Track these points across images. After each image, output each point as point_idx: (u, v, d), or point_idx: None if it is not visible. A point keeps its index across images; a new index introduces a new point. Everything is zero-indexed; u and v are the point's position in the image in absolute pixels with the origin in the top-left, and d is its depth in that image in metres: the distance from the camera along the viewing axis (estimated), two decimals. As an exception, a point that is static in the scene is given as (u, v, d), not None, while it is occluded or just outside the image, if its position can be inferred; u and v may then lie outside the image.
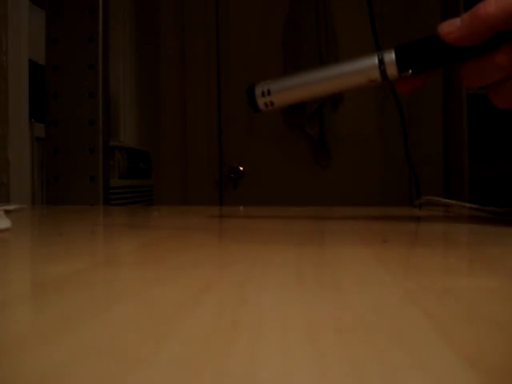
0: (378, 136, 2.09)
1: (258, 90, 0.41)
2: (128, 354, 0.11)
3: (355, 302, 0.16)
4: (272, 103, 0.41)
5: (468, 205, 0.50)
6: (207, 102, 2.16)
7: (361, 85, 0.38)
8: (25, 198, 1.02)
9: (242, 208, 0.68)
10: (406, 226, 0.43)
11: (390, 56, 0.37)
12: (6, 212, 0.47)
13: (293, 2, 2.09)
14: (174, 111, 2.18)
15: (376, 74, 0.38)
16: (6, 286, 0.19)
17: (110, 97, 0.83)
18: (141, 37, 1.91)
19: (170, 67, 2.17)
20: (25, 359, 0.11)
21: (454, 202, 0.52)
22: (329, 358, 0.11)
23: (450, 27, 0.35)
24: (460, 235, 0.38)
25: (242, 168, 2.15)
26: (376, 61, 0.37)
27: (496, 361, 0.11)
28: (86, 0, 0.76)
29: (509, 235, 0.35)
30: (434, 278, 0.20)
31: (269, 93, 0.41)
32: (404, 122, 0.73)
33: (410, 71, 0.37)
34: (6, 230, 0.36)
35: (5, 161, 0.99)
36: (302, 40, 2.04)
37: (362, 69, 0.38)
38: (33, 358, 0.11)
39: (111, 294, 0.18)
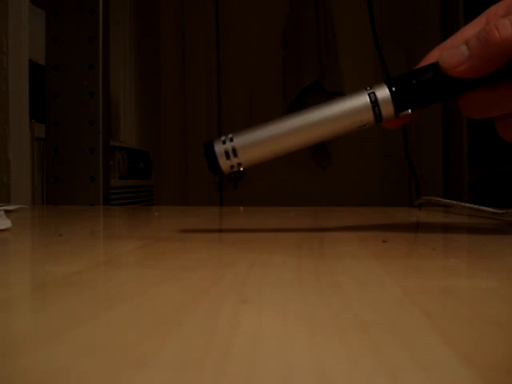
0: (378, 136, 2.09)
1: (218, 150, 0.32)
2: (128, 354, 0.11)
3: (355, 302, 0.16)
4: (240, 165, 0.32)
5: (468, 205, 0.50)
6: (207, 102, 2.16)
7: (350, 131, 0.31)
8: (25, 198, 1.02)
9: (241, 208, 0.68)
10: (405, 226, 0.43)
11: (384, 94, 0.31)
12: (6, 212, 0.47)
13: (293, 2, 2.09)
14: (173, 111, 2.18)
15: (369, 117, 0.31)
16: (7, 286, 0.19)
17: (110, 97, 0.83)
18: (141, 37, 1.91)
19: (169, 67, 2.18)
20: (25, 359, 0.11)
21: (453, 202, 0.52)
22: (328, 357, 0.11)
23: (456, 58, 0.29)
24: (460, 235, 0.38)
25: (241, 168, 2.15)
26: (368, 101, 0.31)
27: (495, 361, 0.11)
28: (86, 0, 0.76)
29: (509, 235, 0.35)
30: (433, 278, 0.20)
31: (235, 153, 0.32)
32: (404, 122, 0.73)
33: (410, 110, 0.31)
34: (6, 230, 0.36)
35: (5, 161, 0.99)
36: (302, 40, 2.04)
37: (351, 112, 0.31)
38: (33, 359, 0.11)
39: (111, 294, 0.18)
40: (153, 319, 0.14)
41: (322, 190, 2.08)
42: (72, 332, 0.13)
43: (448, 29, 1.97)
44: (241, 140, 0.32)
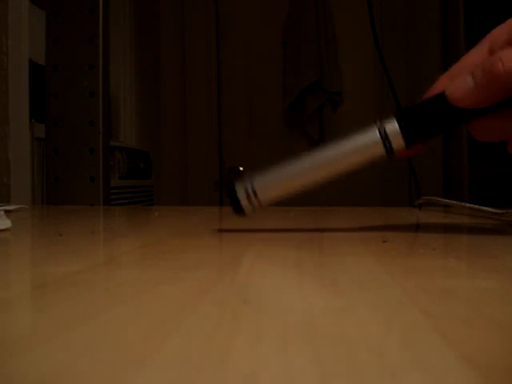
0: (378, 136, 2.09)
1: (240, 190, 0.33)
2: (128, 354, 0.11)
3: (355, 302, 0.16)
4: (260, 203, 0.34)
5: (468, 205, 0.50)
6: (207, 102, 2.16)
7: (364, 164, 0.33)
8: (25, 198, 1.02)
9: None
10: (405, 227, 0.43)
11: (393, 128, 0.31)
12: (6, 212, 0.47)
13: (293, 2, 2.09)
14: (174, 111, 2.18)
15: (380, 152, 0.32)
16: (7, 286, 0.19)
17: (110, 97, 0.83)
18: (141, 37, 1.91)
19: (170, 67, 2.18)
20: (25, 359, 0.11)
21: (453, 202, 0.52)
22: (329, 358, 0.11)
23: (463, 90, 0.30)
24: (460, 235, 0.38)
25: (241, 168, 2.15)
26: (378, 137, 0.32)
27: (495, 360, 0.11)
28: (86, 0, 0.76)
29: (509, 235, 0.35)
30: (433, 278, 0.20)
31: (255, 193, 0.33)
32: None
33: (420, 141, 0.32)
34: (6, 229, 0.36)
35: (5, 161, 0.99)
36: (302, 40, 2.04)
37: (363, 149, 0.32)
38: (33, 359, 0.11)
39: (111, 294, 0.18)
40: (153, 319, 0.14)
41: (322, 190, 2.08)
42: (72, 332, 0.13)
43: (448, 29, 1.97)
44: (260, 180, 0.34)
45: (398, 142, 0.31)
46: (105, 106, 0.76)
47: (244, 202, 0.33)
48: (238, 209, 0.34)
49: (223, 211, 0.66)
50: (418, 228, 0.44)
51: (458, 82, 0.30)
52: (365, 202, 1.99)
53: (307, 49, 2.04)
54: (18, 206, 0.56)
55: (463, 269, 0.23)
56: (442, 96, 0.31)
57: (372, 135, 0.32)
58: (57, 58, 0.77)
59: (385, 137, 0.31)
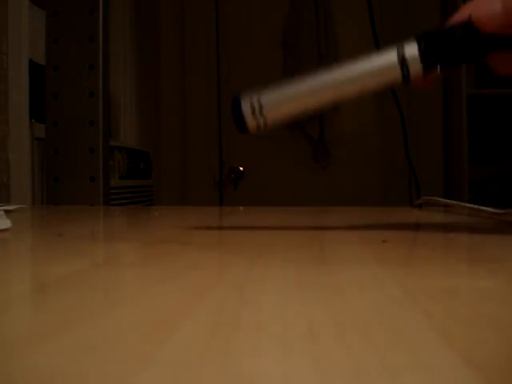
0: (378, 136, 2.09)
1: (245, 106, 0.32)
2: (128, 354, 0.11)
3: (355, 302, 0.16)
4: (266, 124, 0.32)
5: (468, 205, 0.50)
6: (207, 102, 2.16)
7: (376, 89, 0.31)
8: (25, 198, 1.02)
9: (241, 208, 0.68)
10: (405, 227, 0.43)
11: (413, 51, 0.30)
12: (6, 212, 0.47)
13: (293, 2, 2.09)
14: (173, 111, 2.18)
15: (396, 75, 0.31)
16: (6, 286, 0.19)
17: (110, 97, 0.83)
18: (141, 37, 1.91)
19: (169, 67, 2.18)
20: (25, 359, 0.11)
21: (453, 202, 0.52)
22: (329, 358, 0.11)
23: (489, 14, 0.29)
24: (460, 235, 0.38)
25: (241, 168, 2.15)
26: (395, 58, 0.30)
27: (496, 361, 0.11)
28: (86, 0, 0.76)
29: (509, 235, 0.35)
30: (434, 279, 0.20)
31: (261, 110, 0.31)
32: (404, 122, 0.73)
33: (438, 68, 0.31)
34: (6, 230, 0.36)
35: (5, 161, 0.99)
36: (302, 40, 2.04)
37: (378, 70, 0.31)
38: (33, 359, 0.11)
39: (111, 294, 0.18)
40: (153, 319, 0.14)
41: (322, 190, 2.08)
42: (72, 332, 0.13)
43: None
44: (267, 95, 0.32)
45: (416, 66, 0.30)
46: (105, 106, 0.76)
47: (248, 117, 0.31)
48: (241, 124, 0.32)
49: (223, 211, 0.66)
50: (418, 228, 0.44)
51: (485, 5, 0.29)
52: (365, 202, 1.99)
53: (307, 49, 2.04)
54: (17, 206, 0.56)
55: (463, 269, 0.23)
56: (467, 24, 0.30)
57: (390, 56, 0.31)
58: (57, 57, 0.77)
59: (402, 60, 0.30)
